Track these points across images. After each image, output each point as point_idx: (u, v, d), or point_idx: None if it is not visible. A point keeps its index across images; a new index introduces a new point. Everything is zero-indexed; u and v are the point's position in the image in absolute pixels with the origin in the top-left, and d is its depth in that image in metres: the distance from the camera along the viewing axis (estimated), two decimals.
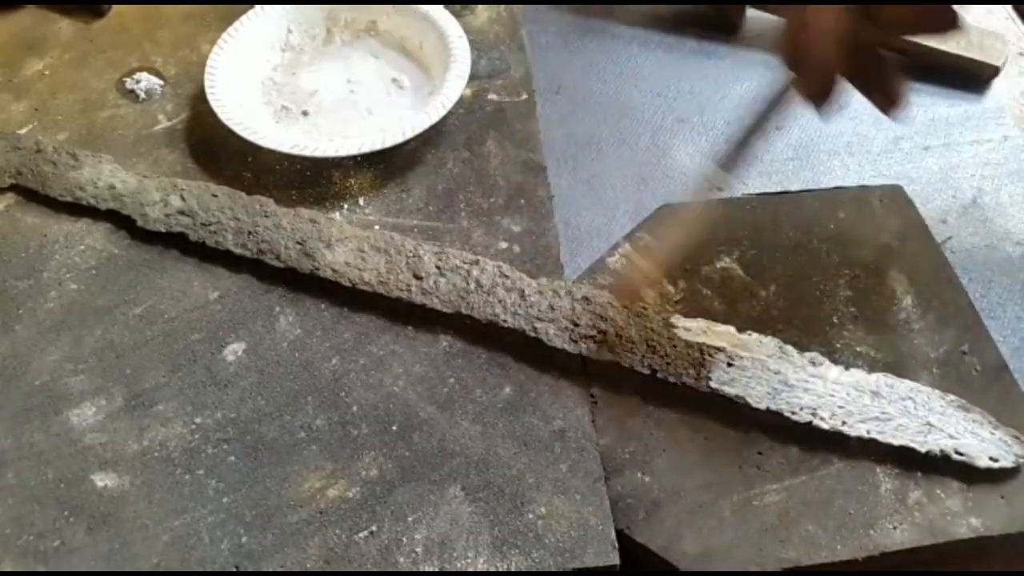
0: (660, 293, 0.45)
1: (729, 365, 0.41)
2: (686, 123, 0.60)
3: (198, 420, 0.41)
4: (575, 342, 0.42)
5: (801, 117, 0.60)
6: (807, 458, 0.39)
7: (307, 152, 0.49)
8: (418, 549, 0.37)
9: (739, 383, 0.40)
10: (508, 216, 0.49)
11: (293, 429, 0.40)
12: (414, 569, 0.36)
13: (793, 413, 0.40)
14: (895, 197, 0.50)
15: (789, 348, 0.42)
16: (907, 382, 0.41)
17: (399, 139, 0.49)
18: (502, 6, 0.61)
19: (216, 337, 0.44)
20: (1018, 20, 0.66)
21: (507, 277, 0.44)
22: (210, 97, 0.52)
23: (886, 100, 0.36)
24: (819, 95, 0.37)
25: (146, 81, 0.56)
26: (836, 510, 0.38)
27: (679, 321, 0.42)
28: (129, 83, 0.56)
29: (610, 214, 0.54)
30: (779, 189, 0.53)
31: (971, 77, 0.61)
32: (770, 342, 0.42)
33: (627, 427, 0.41)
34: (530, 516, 0.37)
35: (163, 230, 0.47)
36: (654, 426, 0.41)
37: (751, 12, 0.66)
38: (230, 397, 0.42)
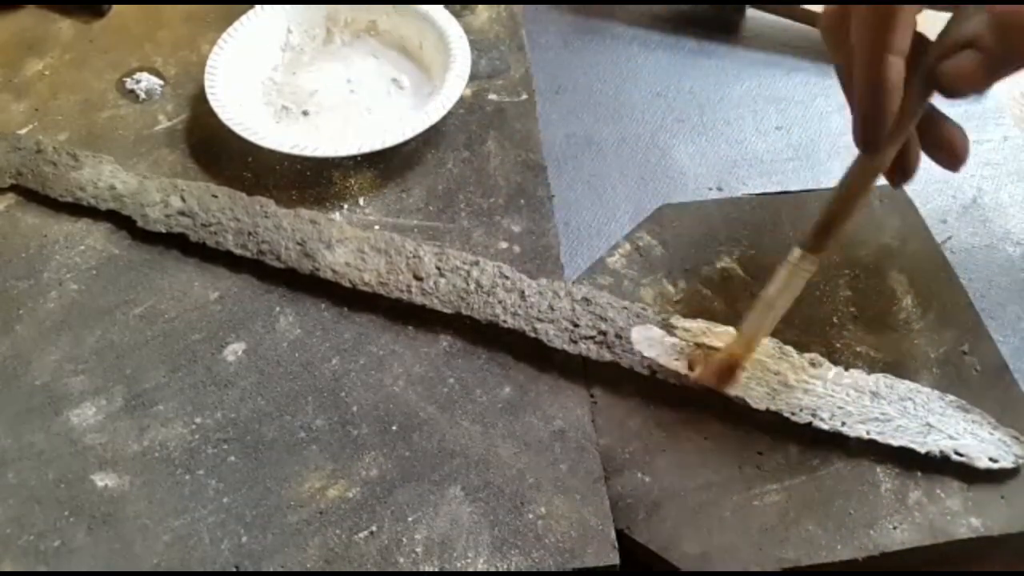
0: (659, 293, 0.45)
1: None
2: (686, 123, 0.60)
3: (198, 420, 0.41)
4: (575, 343, 0.42)
5: (801, 117, 0.60)
6: (807, 458, 0.39)
7: (307, 152, 0.49)
8: (418, 549, 0.37)
9: (739, 384, 0.40)
10: (508, 216, 0.49)
11: (293, 429, 0.40)
12: (414, 569, 0.36)
13: (792, 414, 0.40)
14: (895, 197, 0.50)
15: (789, 348, 0.42)
16: (906, 383, 0.41)
17: (399, 139, 0.49)
18: (502, 6, 0.61)
19: (216, 337, 0.44)
20: None
21: (507, 278, 0.44)
22: (210, 97, 0.52)
23: (949, 154, 0.35)
24: (901, 175, 0.36)
25: (146, 81, 0.56)
26: (836, 510, 0.38)
27: (679, 322, 0.43)
28: (129, 83, 0.56)
29: (610, 214, 0.54)
30: (779, 189, 0.53)
31: None
32: (769, 343, 0.42)
33: (627, 427, 0.41)
34: (530, 516, 0.37)
35: (163, 231, 0.47)
36: (654, 426, 0.41)
37: (751, 12, 0.66)
38: (230, 397, 0.42)
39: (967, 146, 0.35)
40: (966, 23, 0.31)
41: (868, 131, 0.33)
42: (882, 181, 0.51)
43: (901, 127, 0.33)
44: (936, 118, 0.35)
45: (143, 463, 0.39)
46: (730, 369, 0.40)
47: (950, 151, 0.35)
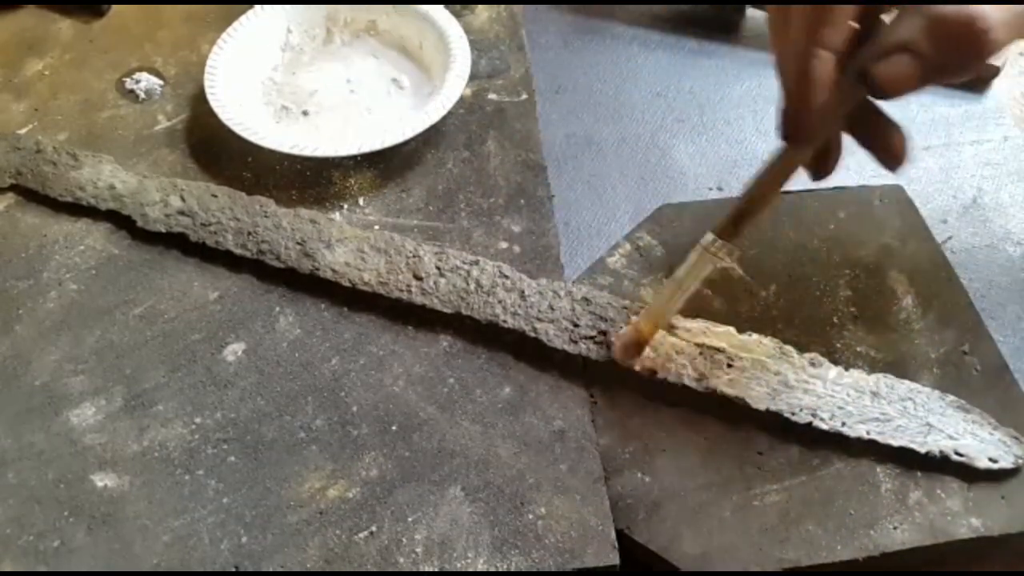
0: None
1: (729, 366, 0.41)
2: (686, 123, 0.60)
3: (198, 420, 0.41)
4: (575, 343, 0.42)
5: None
6: (807, 458, 0.39)
7: (307, 152, 0.49)
8: (418, 549, 0.37)
9: (739, 384, 0.40)
10: (508, 216, 0.49)
11: (293, 429, 0.40)
12: (414, 569, 0.36)
13: (793, 414, 0.40)
14: (895, 197, 0.50)
15: (789, 348, 0.42)
16: (907, 383, 0.41)
17: (399, 139, 0.49)
18: (502, 6, 0.61)
19: (216, 337, 0.44)
20: None
21: (507, 278, 0.44)
22: (210, 97, 0.52)
23: (887, 154, 0.35)
24: (821, 169, 0.36)
25: (146, 81, 0.56)
26: (836, 510, 0.38)
27: (679, 322, 0.42)
28: (129, 83, 0.56)
29: (610, 214, 0.54)
30: None
31: (971, 78, 0.61)
32: (770, 343, 0.42)
33: (627, 427, 0.41)
34: (530, 516, 0.37)
35: (163, 230, 0.47)
36: (654, 426, 0.41)
37: (751, 12, 0.66)
38: (230, 397, 0.42)
39: (905, 147, 0.34)
40: (902, 26, 0.30)
41: (792, 124, 0.33)
42: (882, 180, 0.51)
43: (826, 123, 0.33)
44: (878, 117, 0.35)
45: (143, 463, 0.39)
46: (636, 345, 0.40)
47: (888, 151, 0.35)
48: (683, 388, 0.41)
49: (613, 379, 0.42)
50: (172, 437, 0.40)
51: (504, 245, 0.48)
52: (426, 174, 0.51)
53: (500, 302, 0.43)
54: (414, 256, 0.45)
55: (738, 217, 0.36)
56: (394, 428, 0.40)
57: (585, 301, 0.43)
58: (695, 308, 0.44)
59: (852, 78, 0.32)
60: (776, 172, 0.35)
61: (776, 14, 0.34)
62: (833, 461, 0.39)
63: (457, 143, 0.53)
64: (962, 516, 0.38)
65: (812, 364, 0.41)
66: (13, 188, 0.50)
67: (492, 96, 0.56)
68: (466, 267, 0.45)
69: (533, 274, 0.45)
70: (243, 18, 0.56)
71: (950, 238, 0.52)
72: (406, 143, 0.50)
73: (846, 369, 0.41)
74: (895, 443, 0.39)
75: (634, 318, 0.41)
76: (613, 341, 0.41)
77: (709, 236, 0.37)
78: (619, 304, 0.43)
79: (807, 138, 0.34)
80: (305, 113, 0.55)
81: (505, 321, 0.43)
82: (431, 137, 0.53)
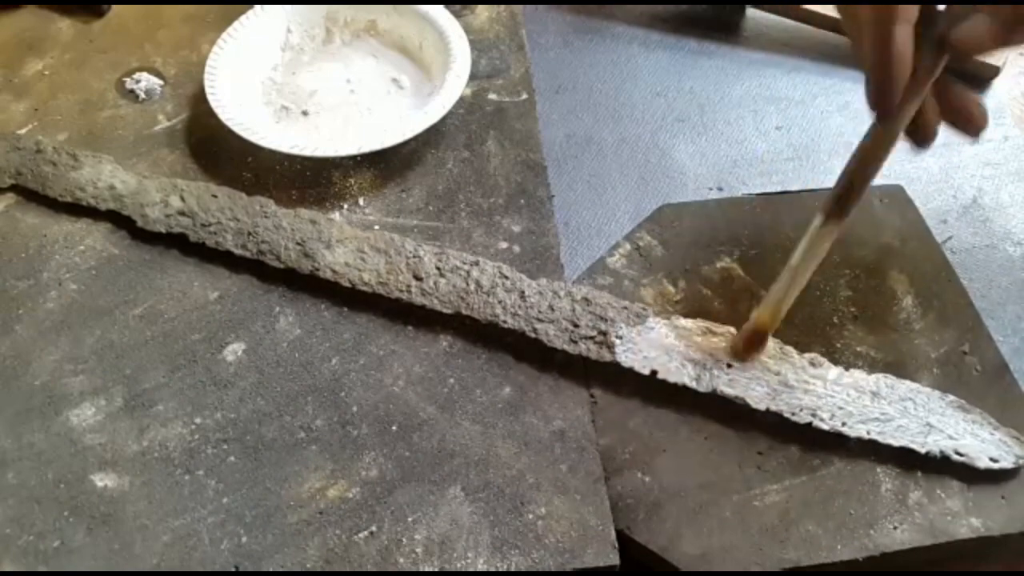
0: (659, 293, 0.45)
1: (729, 366, 0.41)
2: (686, 123, 0.60)
3: (198, 420, 0.41)
4: (575, 343, 0.42)
5: (801, 117, 0.60)
6: (807, 458, 0.39)
7: (307, 152, 0.49)
8: (418, 549, 0.37)
9: (739, 384, 0.40)
10: (508, 216, 0.49)
11: (293, 429, 0.40)
12: (414, 569, 0.36)
13: (793, 414, 0.40)
14: (895, 197, 0.50)
15: (789, 349, 0.42)
16: (907, 383, 0.41)
17: (399, 139, 0.49)
18: (502, 6, 0.61)
19: (216, 337, 0.44)
20: None
21: (507, 278, 0.44)
22: (210, 97, 0.52)
23: (968, 122, 0.35)
24: (921, 139, 0.37)
25: (146, 81, 0.56)
26: (836, 510, 0.38)
27: (679, 321, 0.42)
28: (129, 83, 0.56)
29: (610, 214, 0.54)
30: (779, 189, 0.53)
31: (971, 77, 0.61)
32: (770, 343, 0.42)
33: (627, 427, 0.41)
34: (530, 516, 0.37)
35: (163, 231, 0.47)
36: (654, 426, 0.41)
37: (751, 12, 0.66)
38: (230, 397, 0.42)
39: (984, 112, 0.35)
40: None
41: (880, 98, 0.34)
42: (882, 180, 0.51)
43: (913, 93, 0.34)
44: (951, 86, 0.35)
45: (143, 463, 0.39)
46: (758, 337, 0.40)
47: (966, 117, 0.35)
48: (683, 388, 0.41)
49: (613, 379, 0.42)
50: (172, 437, 0.40)
51: (504, 245, 0.48)
52: (426, 174, 0.51)
53: (500, 302, 0.43)
54: (414, 256, 0.45)
55: (843, 196, 0.37)
56: (394, 428, 0.40)
57: (585, 301, 0.43)
58: (695, 308, 0.45)
59: (930, 45, 0.33)
60: (873, 148, 0.36)
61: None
62: (833, 461, 0.39)
63: (457, 143, 0.53)
64: (962, 516, 0.38)
65: (812, 364, 0.41)
66: (13, 188, 0.50)
67: (492, 96, 0.56)
68: (466, 267, 0.45)
69: (533, 274, 0.45)
70: (243, 18, 0.56)
71: (950, 238, 0.52)
72: (406, 143, 0.50)
73: (846, 369, 0.41)
74: (895, 443, 0.39)
75: (754, 313, 0.41)
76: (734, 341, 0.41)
77: (819, 219, 0.37)
78: (619, 304, 0.43)
79: (896, 112, 0.34)
80: (305, 113, 0.55)
81: (505, 321, 0.43)
82: (431, 137, 0.53)
